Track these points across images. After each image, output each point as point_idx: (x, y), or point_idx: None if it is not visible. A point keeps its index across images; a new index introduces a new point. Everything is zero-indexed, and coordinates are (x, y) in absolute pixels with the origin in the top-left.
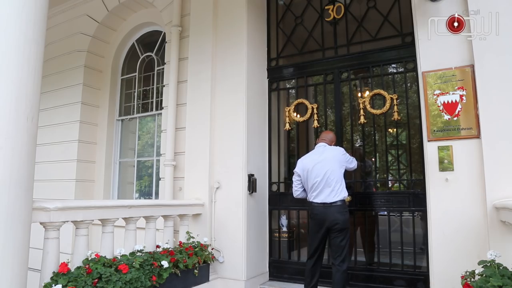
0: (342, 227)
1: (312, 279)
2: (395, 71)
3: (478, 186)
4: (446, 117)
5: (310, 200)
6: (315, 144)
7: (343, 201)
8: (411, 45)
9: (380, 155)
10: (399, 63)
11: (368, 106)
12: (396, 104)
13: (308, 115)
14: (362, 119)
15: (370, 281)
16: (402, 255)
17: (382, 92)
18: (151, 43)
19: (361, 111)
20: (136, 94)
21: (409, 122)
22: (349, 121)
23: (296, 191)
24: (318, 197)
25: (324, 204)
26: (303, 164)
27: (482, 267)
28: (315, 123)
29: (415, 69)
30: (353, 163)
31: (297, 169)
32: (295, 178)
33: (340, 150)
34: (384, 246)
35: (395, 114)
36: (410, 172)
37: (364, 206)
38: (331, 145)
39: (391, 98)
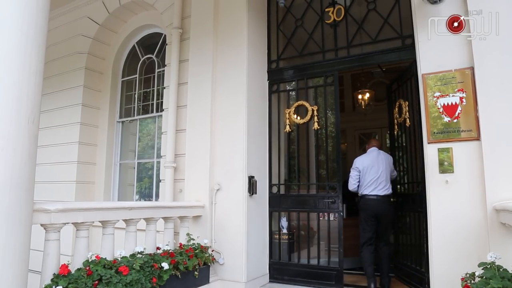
0: (389, 216)
1: (372, 264)
2: (405, 78)
3: (478, 188)
4: (446, 119)
5: (364, 193)
6: (367, 148)
7: (390, 195)
8: (411, 47)
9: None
10: (400, 65)
11: (398, 117)
12: (408, 111)
13: (308, 117)
14: (396, 128)
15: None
16: (405, 255)
17: (402, 102)
18: (152, 45)
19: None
20: (136, 96)
21: (413, 125)
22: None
23: (354, 185)
24: (373, 190)
25: (377, 196)
26: (363, 162)
27: (482, 269)
28: (315, 125)
29: (415, 71)
30: (394, 172)
31: (358, 166)
32: (354, 173)
33: (391, 159)
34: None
35: (407, 120)
36: (412, 174)
37: None
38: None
39: (406, 105)
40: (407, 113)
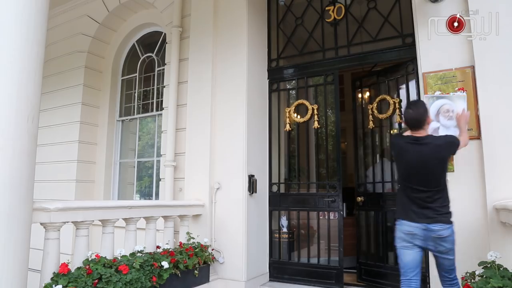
0: None
1: None
2: (398, 75)
3: (478, 187)
4: None
5: None
6: None
7: None
8: (412, 46)
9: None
10: (399, 64)
11: (375, 112)
12: (398, 108)
13: (308, 116)
14: (371, 124)
15: (378, 277)
16: None
17: (387, 97)
18: (152, 43)
19: (370, 117)
20: (136, 94)
21: None
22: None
23: None
24: None
25: None
26: None
27: (483, 268)
28: (316, 124)
29: (415, 70)
30: None
31: None
32: None
33: None
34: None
35: (397, 117)
36: None
37: (373, 207)
38: None
39: (394, 102)
40: (397, 110)
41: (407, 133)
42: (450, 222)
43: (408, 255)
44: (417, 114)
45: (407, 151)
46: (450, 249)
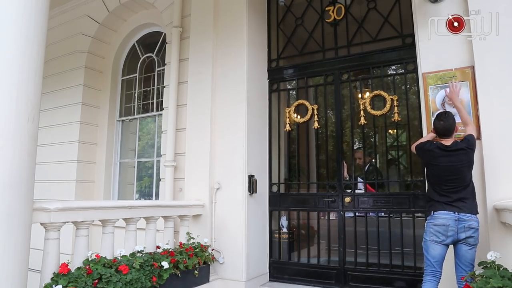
0: None
1: None
2: (395, 72)
3: (478, 187)
4: None
5: None
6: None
7: None
8: (412, 46)
9: (380, 156)
10: (400, 64)
11: (368, 107)
12: (396, 105)
13: (308, 116)
14: (362, 120)
15: (370, 282)
16: (402, 256)
17: (382, 93)
18: (152, 44)
19: (361, 112)
20: (136, 95)
21: (409, 123)
22: (349, 122)
23: None
24: None
25: None
26: None
27: (482, 268)
28: (316, 124)
29: (415, 70)
30: None
31: None
32: None
33: None
34: (384, 247)
35: (395, 115)
36: (410, 173)
37: (364, 207)
38: None
39: (391, 99)
40: (396, 108)
41: (434, 139)
42: (477, 212)
43: (436, 250)
44: (448, 125)
45: (439, 157)
46: (476, 243)
